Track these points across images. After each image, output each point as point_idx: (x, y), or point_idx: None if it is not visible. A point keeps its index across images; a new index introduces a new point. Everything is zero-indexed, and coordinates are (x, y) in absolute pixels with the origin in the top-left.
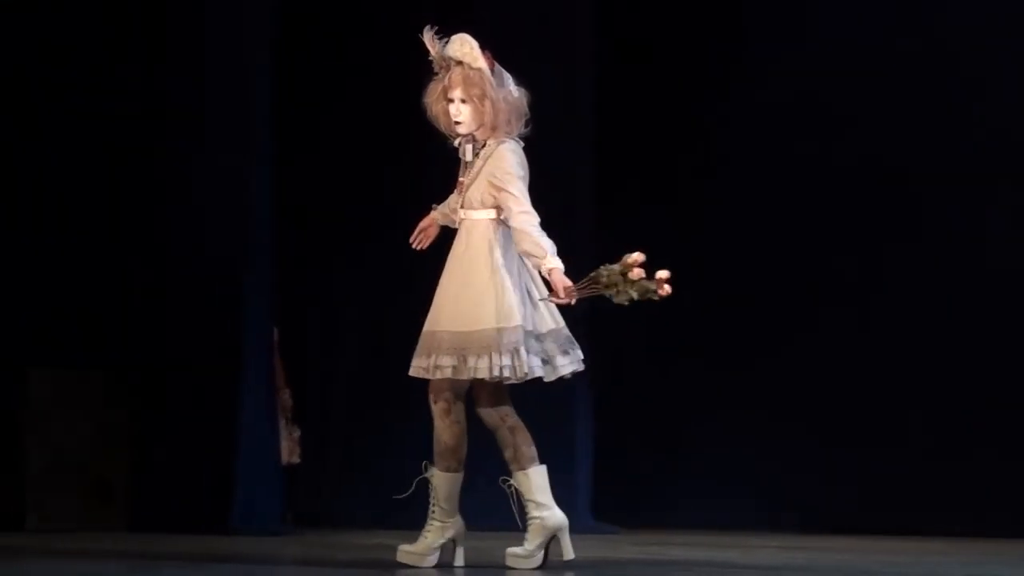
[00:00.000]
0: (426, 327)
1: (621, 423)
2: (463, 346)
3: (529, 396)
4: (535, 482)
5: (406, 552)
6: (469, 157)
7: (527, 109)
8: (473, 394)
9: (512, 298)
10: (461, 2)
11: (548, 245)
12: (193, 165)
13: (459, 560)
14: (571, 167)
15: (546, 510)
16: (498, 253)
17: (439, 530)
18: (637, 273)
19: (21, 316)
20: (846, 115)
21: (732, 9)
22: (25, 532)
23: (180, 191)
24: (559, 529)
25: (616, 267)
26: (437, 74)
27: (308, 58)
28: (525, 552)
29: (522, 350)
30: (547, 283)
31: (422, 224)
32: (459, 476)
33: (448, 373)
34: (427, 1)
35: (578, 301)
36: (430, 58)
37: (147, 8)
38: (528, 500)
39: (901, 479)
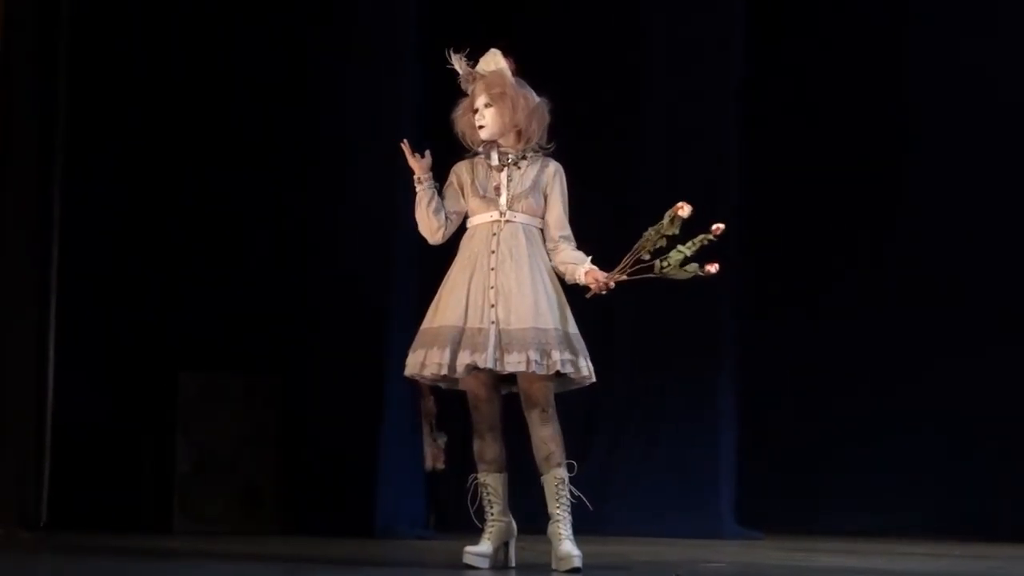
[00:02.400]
0: (522, 323)
1: (765, 429)
2: (575, 347)
3: (671, 404)
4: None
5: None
6: (495, 161)
7: (549, 118)
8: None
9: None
10: None
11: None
12: (345, 176)
13: (512, 560)
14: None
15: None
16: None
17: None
18: (681, 214)
19: (173, 321)
20: None
21: None
22: (173, 534)
23: (329, 200)
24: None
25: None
26: (466, 93)
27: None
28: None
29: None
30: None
31: (418, 157)
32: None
33: (570, 369)
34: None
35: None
36: (458, 79)
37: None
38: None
39: None
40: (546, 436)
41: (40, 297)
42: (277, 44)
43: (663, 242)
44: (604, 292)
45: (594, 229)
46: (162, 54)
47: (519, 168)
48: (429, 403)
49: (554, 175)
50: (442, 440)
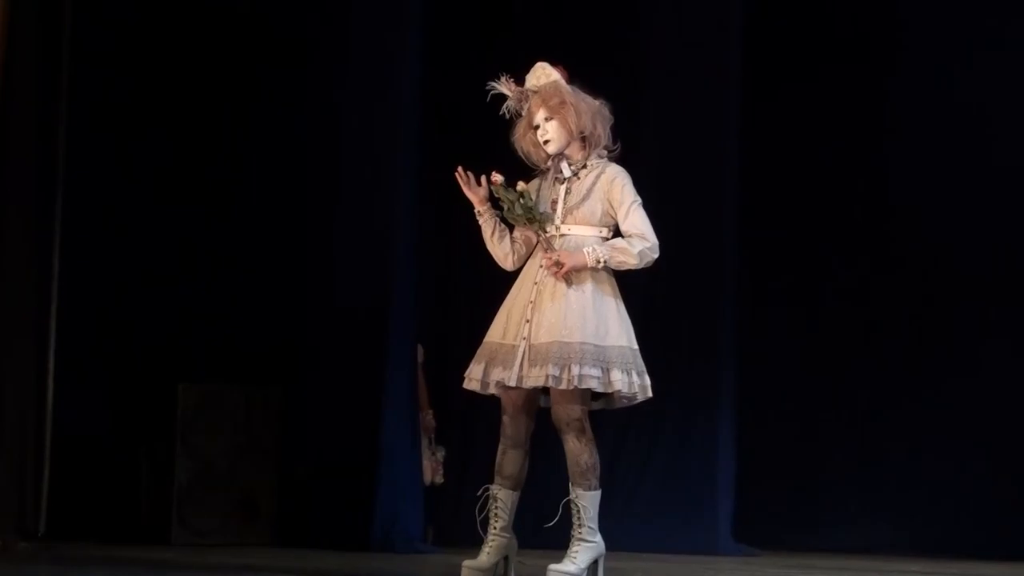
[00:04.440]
0: (548, 337)
1: (764, 445)
2: (606, 359)
3: (669, 419)
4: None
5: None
6: (568, 172)
7: (612, 118)
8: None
9: (625, 315)
10: None
11: (636, 263)
12: (344, 184)
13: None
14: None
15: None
16: (615, 275)
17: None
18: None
19: (172, 332)
20: None
21: None
22: (171, 545)
23: (327, 212)
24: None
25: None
26: (520, 114)
27: (456, 92)
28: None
29: (645, 374)
30: None
31: (474, 187)
32: (519, 494)
33: (594, 384)
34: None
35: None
36: (508, 103)
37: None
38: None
39: None
40: (571, 453)
41: (40, 308)
42: (278, 49)
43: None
44: (557, 271)
45: None
46: (159, 61)
47: (578, 178)
48: (428, 417)
49: (612, 180)
50: (441, 454)
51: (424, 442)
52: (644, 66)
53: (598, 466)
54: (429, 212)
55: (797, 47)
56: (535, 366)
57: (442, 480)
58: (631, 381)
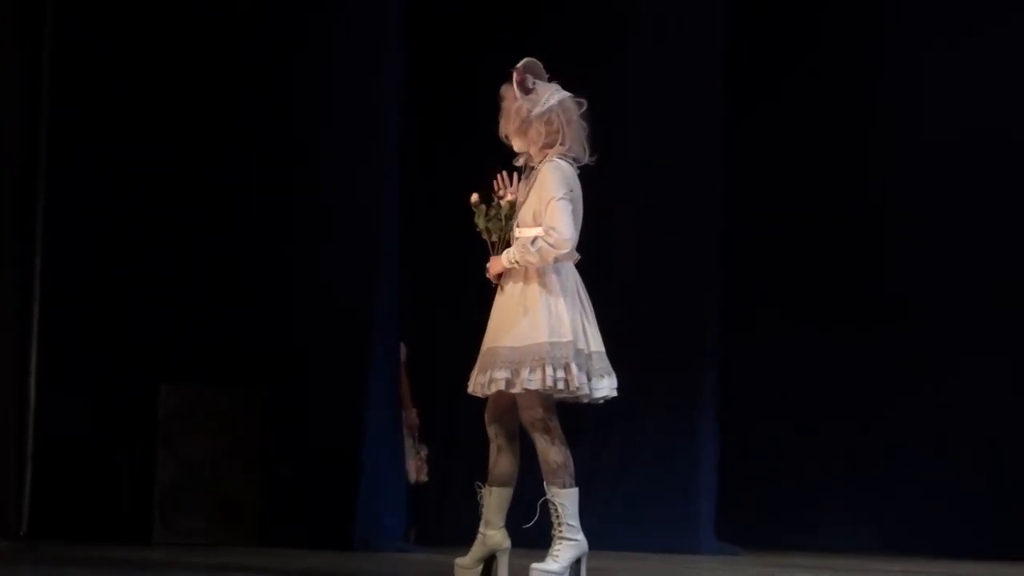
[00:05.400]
0: (484, 345)
1: (746, 444)
2: (518, 360)
3: (652, 418)
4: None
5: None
6: (525, 171)
7: (570, 119)
8: (496, 405)
9: (565, 314)
10: None
11: (536, 260)
12: (327, 186)
13: (503, 574)
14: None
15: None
16: (552, 270)
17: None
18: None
19: (155, 333)
20: None
21: None
22: (153, 545)
23: (310, 213)
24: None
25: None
26: None
27: (440, 85)
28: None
29: (573, 365)
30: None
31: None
32: (508, 491)
33: (502, 386)
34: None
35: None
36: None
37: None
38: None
39: None
40: (539, 453)
41: (23, 309)
42: (263, 47)
43: (491, 224)
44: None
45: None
46: (144, 61)
47: (528, 179)
48: (412, 415)
49: (543, 176)
50: (424, 452)
51: (408, 441)
52: (629, 67)
53: (570, 464)
54: (413, 213)
55: (787, 42)
56: (480, 372)
57: (427, 478)
58: (545, 376)
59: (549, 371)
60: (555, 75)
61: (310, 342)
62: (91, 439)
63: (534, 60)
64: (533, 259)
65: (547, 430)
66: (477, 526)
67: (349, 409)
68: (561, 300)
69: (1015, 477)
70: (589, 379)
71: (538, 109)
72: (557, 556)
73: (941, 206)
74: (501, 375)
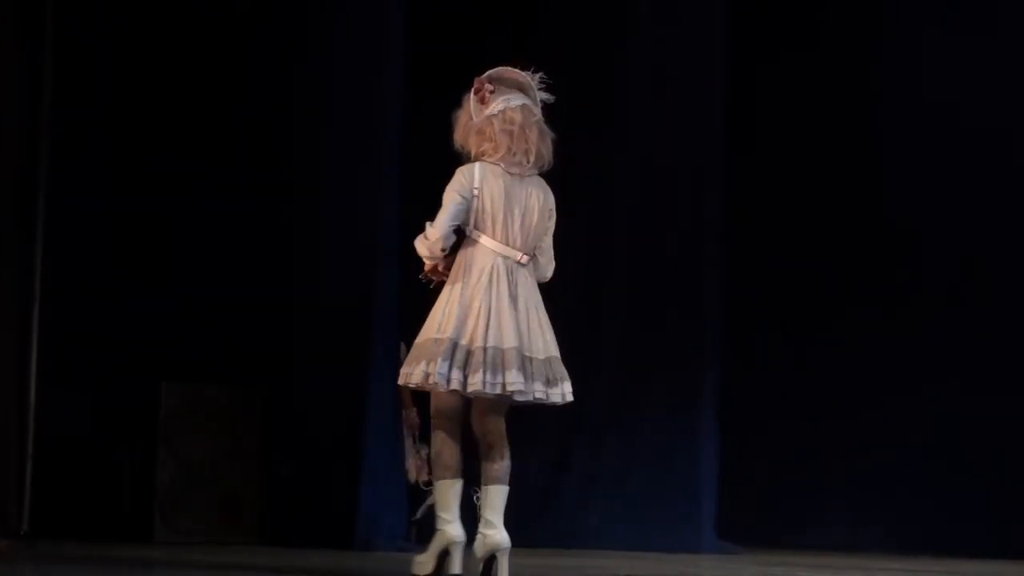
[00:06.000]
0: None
1: (746, 443)
2: (414, 355)
3: (652, 418)
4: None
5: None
6: None
7: (509, 128)
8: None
9: (455, 310)
10: None
11: (423, 251)
12: (327, 185)
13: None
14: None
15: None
16: (462, 269)
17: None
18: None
19: (156, 332)
20: None
21: None
22: (154, 544)
23: (310, 212)
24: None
25: None
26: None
27: (440, 85)
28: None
29: (438, 360)
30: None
31: None
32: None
33: (401, 380)
34: None
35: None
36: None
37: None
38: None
39: None
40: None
41: (23, 307)
42: (264, 47)
43: None
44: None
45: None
46: (144, 61)
47: None
48: (412, 414)
49: None
50: (425, 452)
51: (408, 440)
52: (629, 67)
53: (441, 456)
54: (413, 212)
55: (787, 42)
56: None
57: (427, 478)
58: (451, 377)
59: (417, 367)
60: (555, 75)
61: (310, 342)
62: (91, 438)
63: (506, 68)
64: (419, 249)
65: (432, 425)
66: (476, 525)
67: (349, 409)
68: (457, 296)
69: (1015, 477)
70: (466, 375)
71: (477, 119)
72: (428, 545)
73: (941, 205)
74: (404, 368)
